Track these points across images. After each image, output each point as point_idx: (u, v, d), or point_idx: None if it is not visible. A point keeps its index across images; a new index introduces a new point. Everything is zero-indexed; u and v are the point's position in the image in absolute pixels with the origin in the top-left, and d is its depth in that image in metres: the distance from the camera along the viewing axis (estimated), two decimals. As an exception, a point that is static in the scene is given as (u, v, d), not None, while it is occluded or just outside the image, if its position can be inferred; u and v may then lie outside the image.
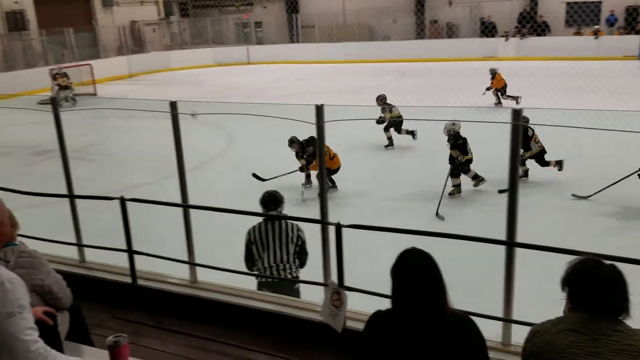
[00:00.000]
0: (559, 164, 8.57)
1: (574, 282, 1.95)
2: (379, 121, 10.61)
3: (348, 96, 15.69)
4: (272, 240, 4.45)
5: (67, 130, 4.55)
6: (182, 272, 4.24)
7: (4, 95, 16.71)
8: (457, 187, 8.21)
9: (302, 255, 4.54)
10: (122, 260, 4.27)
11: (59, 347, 2.43)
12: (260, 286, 4.43)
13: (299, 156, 8.80)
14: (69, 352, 2.46)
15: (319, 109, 3.53)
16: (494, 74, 14.22)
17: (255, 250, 4.48)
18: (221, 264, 4.03)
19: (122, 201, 4.07)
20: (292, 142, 8.78)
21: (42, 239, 4.29)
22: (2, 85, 16.80)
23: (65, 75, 18.06)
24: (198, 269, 4.20)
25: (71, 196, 4.58)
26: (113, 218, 4.18)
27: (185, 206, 4.16)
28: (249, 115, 5.47)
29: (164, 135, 4.29)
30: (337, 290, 3.34)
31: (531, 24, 24.04)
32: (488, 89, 14.10)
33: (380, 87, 16.19)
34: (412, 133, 10.71)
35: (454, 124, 7.72)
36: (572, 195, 7.86)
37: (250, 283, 4.42)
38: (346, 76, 19.60)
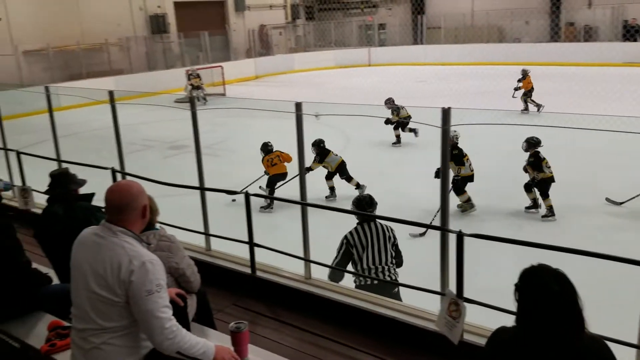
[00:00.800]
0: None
1: None
2: (387, 121, 11.69)
3: (473, 99, 15.14)
4: (372, 241, 4.50)
5: (199, 127, 4.87)
6: (296, 267, 4.35)
7: (146, 93, 18.33)
8: (467, 202, 7.61)
9: (398, 255, 4.64)
10: (242, 251, 4.48)
11: (187, 328, 2.59)
12: (358, 288, 4.45)
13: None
14: (195, 333, 2.61)
15: (445, 112, 3.42)
16: (525, 74, 13.94)
17: (355, 252, 4.50)
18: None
19: (247, 195, 4.27)
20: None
21: (175, 226, 4.64)
22: (145, 85, 18.44)
23: (197, 76, 19.44)
24: (312, 266, 4.28)
25: (202, 188, 4.89)
26: (235, 210, 4.40)
27: (303, 204, 4.26)
28: (370, 116, 5.49)
29: (285, 135, 4.42)
30: (455, 301, 3.22)
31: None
32: (516, 89, 14.09)
33: (508, 90, 15.38)
34: (414, 131, 11.66)
35: (454, 131, 7.16)
36: (606, 199, 7.27)
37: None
38: (472, 79, 18.89)
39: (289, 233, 4.82)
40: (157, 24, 24.47)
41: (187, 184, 4.93)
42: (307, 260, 4.29)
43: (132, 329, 2.45)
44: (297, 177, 4.35)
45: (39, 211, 6.15)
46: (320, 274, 4.34)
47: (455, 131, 7.36)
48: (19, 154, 6.43)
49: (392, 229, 4.59)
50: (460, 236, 3.25)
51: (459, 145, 7.59)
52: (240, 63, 25.43)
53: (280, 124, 5.12)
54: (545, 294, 1.87)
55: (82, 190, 4.08)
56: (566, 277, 1.93)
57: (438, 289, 3.53)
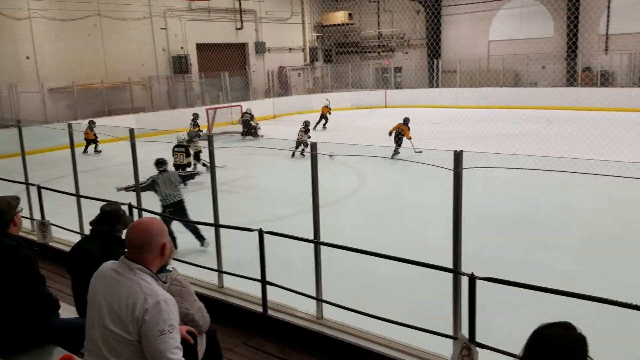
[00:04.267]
0: None
1: None
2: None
3: (487, 143, 15.17)
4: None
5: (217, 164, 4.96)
6: (308, 306, 4.32)
7: (166, 130, 18.71)
8: None
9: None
10: (254, 289, 4.48)
11: (196, 366, 2.58)
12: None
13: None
14: (204, 371, 2.60)
15: (457, 155, 3.46)
16: None
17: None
18: (346, 302, 4.04)
19: (260, 233, 4.30)
20: None
21: (189, 262, 4.67)
22: (166, 122, 18.86)
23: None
24: (324, 305, 4.25)
25: (216, 225, 4.94)
26: (250, 247, 4.42)
27: (317, 242, 4.27)
28: (384, 158, 5.55)
29: (302, 173, 4.48)
30: (468, 346, 3.17)
31: None
32: None
33: (524, 134, 15.42)
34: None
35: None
36: None
37: (375, 325, 4.36)
38: (486, 122, 18.97)
39: (303, 271, 4.81)
40: (179, 64, 25.21)
41: (203, 220, 4.99)
42: (319, 299, 4.27)
43: (142, 367, 2.43)
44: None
45: (57, 245, 6.26)
46: (333, 314, 4.30)
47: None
48: (39, 188, 6.56)
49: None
50: (472, 279, 3.23)
51: None
52: (259, 102, 25.90)
53: (296, 162, 5.19)
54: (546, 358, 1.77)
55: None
56: (583, 343, 1.81)
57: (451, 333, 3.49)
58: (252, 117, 20.63)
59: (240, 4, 27.61)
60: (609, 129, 14.09)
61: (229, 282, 4.94)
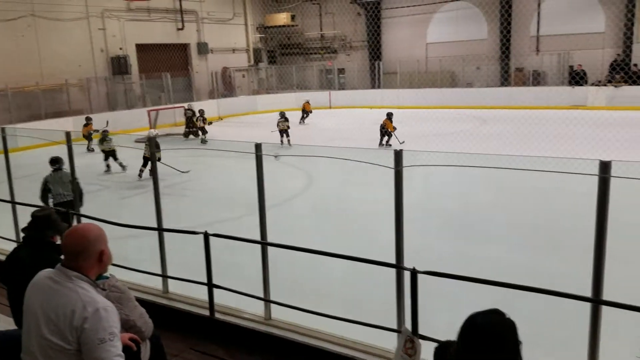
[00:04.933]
0: None
1: None
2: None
3: (426, 142, 15.61)
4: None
5: (162, 168, 4.88)
6: (258, 308, 4.33)
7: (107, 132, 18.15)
8: None
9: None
10: (202, 292, 4.44)
11: (141, 372, 2.55)
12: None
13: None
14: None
15: (398, 154, 3.57)
16: None
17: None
18: (295, 302, 4.08)
19: (206, 236, 4.28)
20: None
21: (131, 268, 4.57)
22: (104, 124, 18.29)
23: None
24: (273, 306, 4.28)
25: (159, 229, 4.86)
26: (197, 251, 4.38)
27: (264, 243, 4.29)
28: (329, 157, 5.62)
29: (249, 174, 4.48)
30: (411, 339, 3.28)
31: (626, 72, 22.95)
32: None
33: (460, 133, 15.98)
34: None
35: None
36: None
37: (323, 323, 4.43)
38: (426, 122, 19.53)
39: (251, 272, 4.81)
40: (118, 65, 24.48)
41: (146, 225, 4.89)
42: (267, 300, 4.29)
43: (82, 377, 2.37)
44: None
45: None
46: (282, 314, 4.33)
47: None
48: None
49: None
50: (414, 273, 3.34)
51: None
52: (203, 104, 25.50)
53: (243, 163, 5.18)
54: (482, 346, 1.87)
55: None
56: (511, 329, 1.92)
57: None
58: (193, 113, 20.27)
59: (181, 4, 27.11)
60: (540, 126, 14.79)
61: (175, 286, 4.88)
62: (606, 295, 3.00)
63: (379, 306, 4.70)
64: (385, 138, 16.51)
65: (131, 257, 4.59)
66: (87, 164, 14.47)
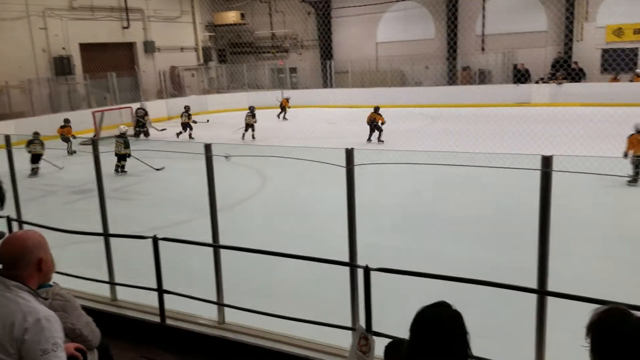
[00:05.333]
0: None
1: (597, 332, 1.88)
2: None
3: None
4: None
5: (109, 169, 4.72)
6: (212, 312, 4.25)
7: (49, 136, 17.44)
8: None
9: None
10: (153, 299, 4.32)
11: (87, 384, 2.45)
12: None
13: None
14: (96, 389, 2.48)
15: (349, 153, 3.58)
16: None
17: None
18: (250, 304, 4.03)
19: (155, 240, 4.16)
20: None
21: (77, 276, 4.40)
22: (48, 127, 17.60)
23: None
24: (227, 309, 4.21)
25: (105, 235, 4.70)
26: (149, 256, 4.26)
27: (216, 246, 4.22)
28: (281, 157, 5.61)
29: (200, 175, 4.39)
30: (365, 336, 3.29)
31: (567, 70, 23.96)
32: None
33: (411, 131, 16.25)
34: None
35: None
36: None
37: (278, 325, 4.39)
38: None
39: (204, 276, 4.72)
40: (61, 65, 23.57)
41: (92, 231, 4.72)
42: (220, 304, 4.22)
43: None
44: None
45: None
46: (237, 317, 4.26)
47: None
48: None
49: None
50: (367, 271, 3.36)
51: None
52: (151, 104, 24.91)
53: (196, 164, 5.08)
54: (430, 337, 1.91)
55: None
56: (457, 320, 1.96)
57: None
58: (145, 113, 19.95)
59: (126, 2, 26.36)
60: (488, 123, 15.22)
61: (124, 294, 4.72)
62: (552, 286, 3.10)
63: (334, 305, 4.70)
64: (376, 133, 16.57)
65: (77, 264, 4.42)
66: (26, 168, 13.88)
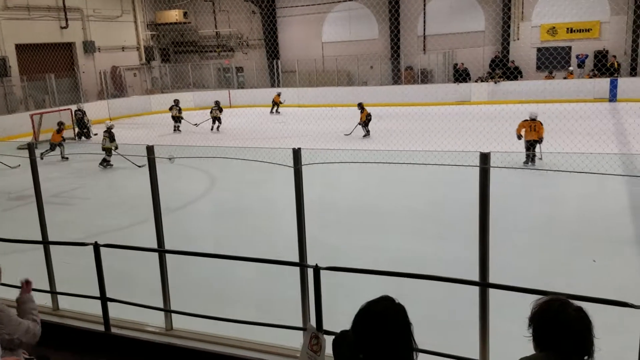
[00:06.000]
0: None
1: (539, 322, 1.96)
2: None
3: (327, 139, 15.90)
4: None
5: (48, 174, 4.54)
6: (159, 319, 4.16)
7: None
8: None
9: None
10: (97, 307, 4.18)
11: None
12: None
13: None
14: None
15: (296, 153, 3.59)
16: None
17: None
18: (200, 309, 3.97)
19: (96, 247, 4.02)
20: None
21: (15, 286, 4.19)
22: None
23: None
24: (176, 316, 4.13)
25: (44, 242, 4.51)
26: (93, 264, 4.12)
27: (160, 251, 4.12)
28: (230, 158, 5.56)
29: (145, 178, 4.28)
30: (316, 335, 3.30)
31: (504, 69, 24.86)
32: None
33: (357, 130, 16.45)
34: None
35: None
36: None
37: (229, 329, 4.35)
38: (325, 120, 19.93)
39: (151, 282, 4.60)
40: (-5, 67, 22.47)
41: (30, 238, 4.52)
42: (167, 310, 4.14)
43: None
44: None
45: None
46: (186, 323, 4.18)
47: None
48: None
49: None
50: (317, 270, 3.38)
51: None
52: (92, 105, 24.05)
53: (137, 168, 4.95)
54: (372, 330, 1.95)
55: None
56: (399, 313, 1.99)
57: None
58: (84, 114, 19.37)
59: (64, 1, 25.32)
60: (431, 122, 15.60)
61: (65, 303, 4.55)
62: (493, 278, 3.22)
63: (285, 306, 4.70)
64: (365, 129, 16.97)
65: (15, 273, 4.20)
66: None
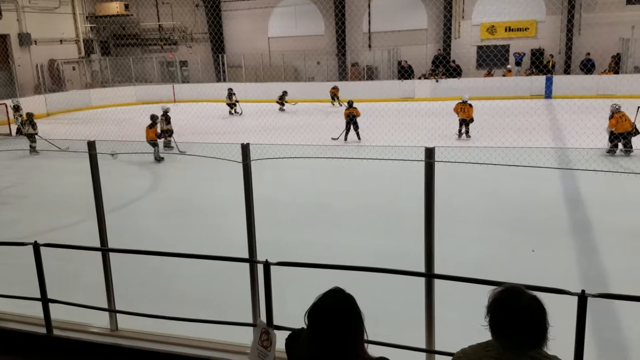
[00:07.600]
0: None
1: (494, 311, 2.03)
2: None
3: (275, 135, 15.85)
4: None
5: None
6: (105, 320, 4.04)
7: None
8: None
9: None
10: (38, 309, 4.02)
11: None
12: None
13: None
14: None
15: (245, 148, 3.57)
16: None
17: None
18: (146, 309, 3.89)
19: (36, 247, 3.87)
20: None
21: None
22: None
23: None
24: (121, 316, 4.03)
25: (-20, 243, 4.30)
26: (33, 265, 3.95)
27: (103, 250, 4.01)
28: (174, 154, 5.45)
29: (86, 175, 4.15)
30: (266, 330, 3.31)
31: (446, 66, 25.51)
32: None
33: (306, 126, 16.50)
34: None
35: None
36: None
37: (179, 328, 4.28)
38: (272, 115, 19.84)
39: (95, 282, 4.46)
40: None
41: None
42: (111, 310, 4.03)
43: None
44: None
45: None
46: (133, 323, 4.08)
47: None
48: None
49: None
50: (267, 265, 3.38)
51: None
52: (28, 100, 22.95)
53: (80, 164, 4.77)
54: (321, 319, 1.99)
55: None
56: (349, 302, 2.03)
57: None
58: (18, 108, 18.53)
59: (-4, -10, 24.02)
60: (376, 118, 15.84)
61: (4, 305, 4.35)
62: (438, 269, 3.33)
63: (235, 303, 4.67)
64: (351, 131, 15.92)
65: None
66: None
